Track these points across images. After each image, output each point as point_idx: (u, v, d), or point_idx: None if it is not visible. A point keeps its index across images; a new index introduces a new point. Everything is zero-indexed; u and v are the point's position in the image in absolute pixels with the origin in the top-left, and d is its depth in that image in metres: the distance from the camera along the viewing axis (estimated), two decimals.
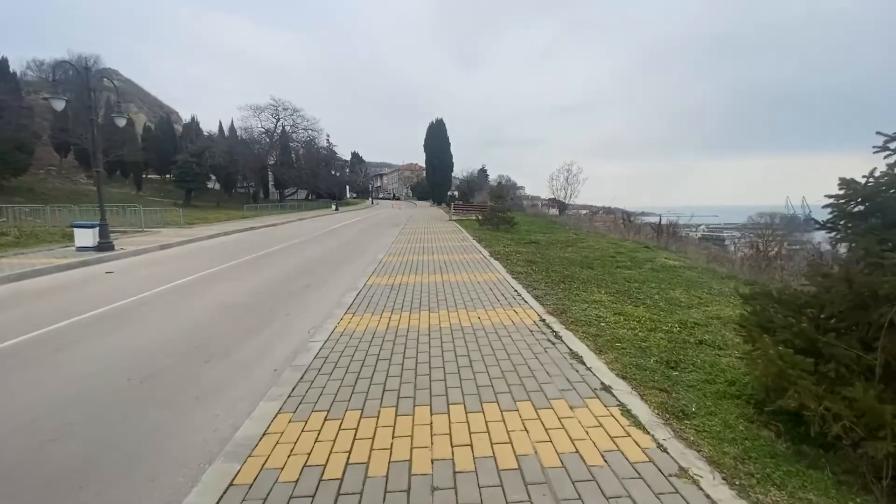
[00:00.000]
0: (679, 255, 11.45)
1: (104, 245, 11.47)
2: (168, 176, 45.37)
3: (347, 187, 55.20)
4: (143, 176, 46.63)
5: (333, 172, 47.53)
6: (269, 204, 41.04)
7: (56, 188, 36.32)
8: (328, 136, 59.22)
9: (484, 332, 4.86)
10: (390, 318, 5.47)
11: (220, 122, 50.62)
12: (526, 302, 6.15)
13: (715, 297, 6.48)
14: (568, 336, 4.67)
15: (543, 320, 5.26)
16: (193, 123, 47.83)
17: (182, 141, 43.22)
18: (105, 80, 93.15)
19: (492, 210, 15.76)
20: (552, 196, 33.03)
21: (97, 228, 11.42)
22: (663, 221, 16.33)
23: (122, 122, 14.75)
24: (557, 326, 5.00)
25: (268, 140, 52.70)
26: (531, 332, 4.86)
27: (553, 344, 4.46)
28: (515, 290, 6.88)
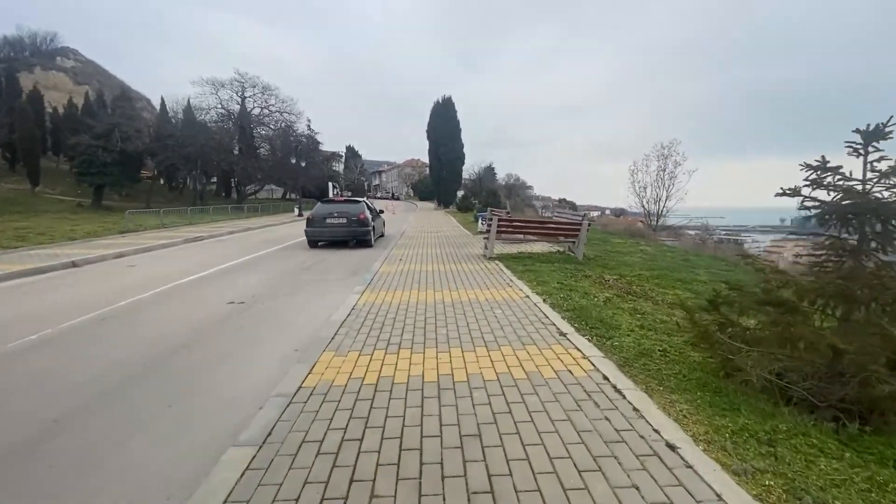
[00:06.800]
0: None
1: None
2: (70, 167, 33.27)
3: (330, 184, 43.05)
4: (41, 165, 34.69)
5: (295, 161, 35.20)
6: (208, 206, 28.98)
7: None
8: (309, 120, 47.11)
9: None
10: None
11: (162, 98, 38.53)
12: None
13: None
14: None
15: None
16: (123, 96, 35.77)
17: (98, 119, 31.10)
18: (59, 58, 78.92)
19: None
20: (642, 206, 20.98)
21: None
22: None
23: None
24: None
25: (230, 125, 40.69)
26: None
27: None
28: None
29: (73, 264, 9.50)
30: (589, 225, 9.10)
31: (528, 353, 3.73)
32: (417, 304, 5.40)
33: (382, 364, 3.52)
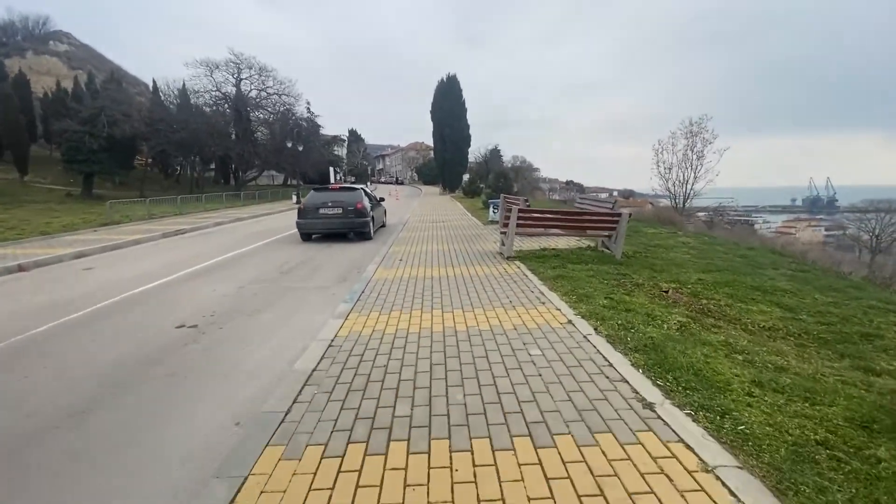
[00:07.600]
0: None
1: None
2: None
3: (332, 169, 41.42)
4: (32, 153, 33.29)
5: (292, 146, 33.49)
6: (202, 195, 27.54)
7: None
8: (308, 103, 45.11)
9: None
10: None
11: (154, 81, 36.75)
12: None
13: None
14: None
15: None
16: (112, 78, 34.03)
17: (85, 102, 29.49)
18: (52, 42, 77.56)
19: None
20: (667, 189, 19.25)
21: None
22: None
23: None
24: None
25: (226, 108, 38.89)
26: None
27: None
28: None
29: (20, 268, 8.12)
30: (630, 216, 7.49)
31: (602, 451, 2.22)
32: (420, 337, 3.91)
33: (356, 486, 2.03)
